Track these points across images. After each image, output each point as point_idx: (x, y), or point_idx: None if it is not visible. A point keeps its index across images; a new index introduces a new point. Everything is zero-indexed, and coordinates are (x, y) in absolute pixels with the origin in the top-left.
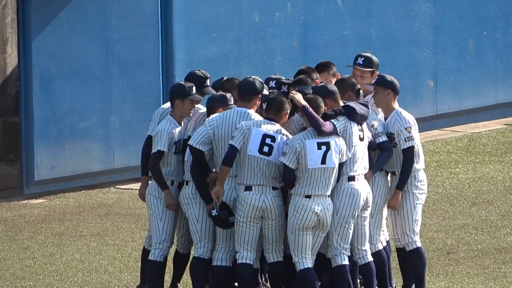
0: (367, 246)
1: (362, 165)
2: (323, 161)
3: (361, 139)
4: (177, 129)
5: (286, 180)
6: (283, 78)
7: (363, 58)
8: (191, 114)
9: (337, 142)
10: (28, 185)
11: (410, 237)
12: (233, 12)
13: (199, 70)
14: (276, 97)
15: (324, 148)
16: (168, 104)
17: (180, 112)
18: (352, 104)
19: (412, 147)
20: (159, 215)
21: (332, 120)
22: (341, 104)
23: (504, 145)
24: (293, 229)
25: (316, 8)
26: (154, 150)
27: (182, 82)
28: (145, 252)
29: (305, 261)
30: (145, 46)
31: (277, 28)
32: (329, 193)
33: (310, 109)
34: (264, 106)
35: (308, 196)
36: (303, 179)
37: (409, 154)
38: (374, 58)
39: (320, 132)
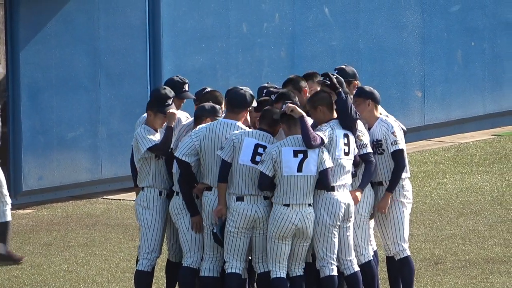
0: (352, 256)
1: (343, 177)
2: (299, 169)
3: (346, 153)
4: (155, 135)
5: (263, 188)
6: (276, 86)
7: (336, 71)
8: (163, 126)
9: (316, 151)
10: (16, 195)
11: (401, 245)
12: (221, 23)
13: (177, 76)
14: (272, 109)
15: (301, 156)
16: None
17: (153, 122)
18: (349, 101)
19: (401, 150)
20: (147, 225)
21: (321, 127)
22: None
23: (491, 155)
24: (270, 238)
25: (304, 19)
26: (144, 148)
27: (163, 90)
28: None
29: (279, 269)
30: (133, 56)
31: (265, 38)
32: (310, 201)
33: (307, 121)
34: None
35: (287, 205)
36: (281, 187)
37: (398, 157)
38: (349, 69)
39: (309, 145)
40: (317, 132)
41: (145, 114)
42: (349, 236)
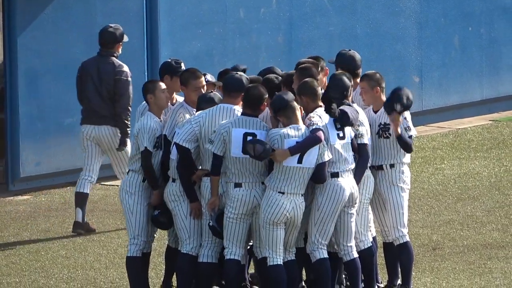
0: (352, 243)
1: (346, 162)
2: (300, 161)
3: (341, 138)
4: (158, 124)
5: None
6: (278, 70)
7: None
8: (169, 105)
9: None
10: (14, 182)
11: (401, 231)
12: (218, 8)
13: (171, 59)
14: (252, 91)
15: None
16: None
17: (156, 106)
18: (346, 109)
19: (410, 137)
20: (130, 210)
21: (313, 120)
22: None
23: (489, 141)
24: (264, 224)
25: (301, 4)
26: (141, 148)
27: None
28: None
29: (276, 256)
30: (130, 42)
31: (262, 24)
32: (303, 191)
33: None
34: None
35: (282, 192)
36: (278, 175)
37: (408, 144)
38: (358, 58)
39: (319, 142)
40: (315, 128)
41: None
42: (352, 222)
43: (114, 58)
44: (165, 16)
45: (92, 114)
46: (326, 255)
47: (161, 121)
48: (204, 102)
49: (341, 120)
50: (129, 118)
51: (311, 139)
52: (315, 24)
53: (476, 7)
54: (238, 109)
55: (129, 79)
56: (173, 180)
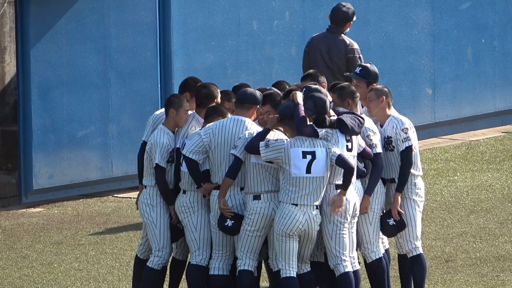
0: (354, 253)
1: None
2: (308, 171)
3: (349, 149)
4: (171, 139)
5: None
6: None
7: (360, 68)
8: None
9: (324, 151)
10: (27, 194)
11: (413, 243)
12: (231, 21)
13: (191, 78)
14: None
15: (309, 157)
16: (161, 110)
17: (173, 122)
18: (345, 117)
19: (410, 147)
20: (153, 222)
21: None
22: (359, 108)
23: (502, 153)
24: (278, 235)
25: (315, 16)
26: (153, 164)
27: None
28: (138, 261)
29: (290, 268)
30: (143, 54)
31: (275, 36)
32: (317, 203)
33: (302, 109)
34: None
35: (295, 204)
36: (289, 187)
37: (407, 156)
38: (372, 69)
39: (298, 130)
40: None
41: (158, 112)
42: (353, 233)
43: (343, 35)
44: (178, 28)
45: None
46: (349, 269)
47: (174, 132)
48: (213, 114)
49: (340, 129)
50: None
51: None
52: None
53: (489, 19)
54: (248, 121)
55: (361, 55)
56: (184, 192)
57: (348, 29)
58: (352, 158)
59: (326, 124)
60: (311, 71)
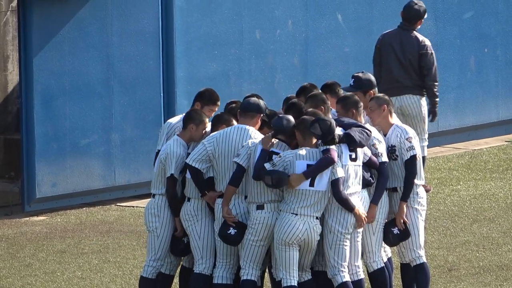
0: (359, 263)
1: (354, 184)
2: (311, 184)
3: (353, 159)
4: (186, 150)
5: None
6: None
7: (353, 79)
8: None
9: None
10: (29, 202)
11: (417, 252)
12: (234, 30)
13: (209, 90)
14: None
15: None
16: (175, 119)
17: (191, 136)
18: (353, 132)
19: (415, 156)
20: (156, 233)
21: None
22: (362, 118)
23: (505, 162)
24: (278, 244)
25: (317, 25)
26: (167, 174)
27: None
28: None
29: (291, 277)
30: (146, 63)
31: (278, 45)
32: (318, 215)
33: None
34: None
35: (295, 214)
36: (291, 198)
37: (412, 165)
38: (365, 77)
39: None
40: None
41: (171, 120)
42: (358, 242)
43: (415, 32)
44: (181, 37)
45: (393, 84)
46: (347, 279)
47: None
48: (218, 123)
49: (349, 144)
50: (438, 89)
51: (325, 161)
52: (331, 45)
53: (492, 29)
54: (252, 129)
55: (433, 52)
56: (188, 200)
57: (419, 26)
58: (356, 168)
59: (336, 141)
60: (306, 84)
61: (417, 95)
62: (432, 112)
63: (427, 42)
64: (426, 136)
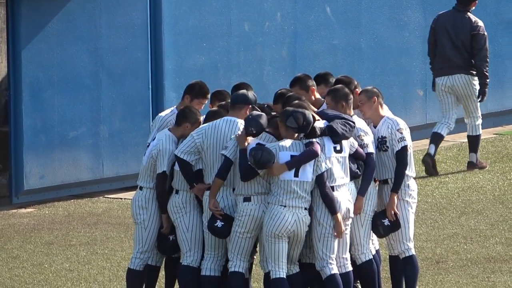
0: (347, 255)
1: (340, 176)
2: (296, 174)
3: (338, 151)
4: (176, 145)
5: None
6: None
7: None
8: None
9: None
10: (17, 195)
11: (406, 244)
12: (223, 22)
13: (200, 83)
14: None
15: None
16: (166, 112)
17: (184, 133)
18: (335, 124)
19: (406, 147)
20: (144, 225)
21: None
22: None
23: (493, 154)
24: (267, 237)
25: (306, 18)
26: (158, 170)
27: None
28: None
29: (279, 269)
30: (134, 55)
31: (266, 37)
32: (306, 205)
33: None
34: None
35: (284, 206)
36: (278, 190)
37: (402, 156)
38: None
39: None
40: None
41: (162, 114)
42: (347, 235)
43: (469, 13)
44: (169, 30)
45: (446, 64)
46: (335, 271)
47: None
48: (212, 118)
49: (331, 136)
50: (488, 69)
51: (308, 153)
52: (320, 37)
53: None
54: (241, 122)
55: (485, 33)
56: (177, 192)
57: (474, 7)
58: (342, 160)
59: (317, 134)
60: (300, 75)
61: (468, 75)
62: (482, 92)
63: (480, 23)
64: (480, 114)
